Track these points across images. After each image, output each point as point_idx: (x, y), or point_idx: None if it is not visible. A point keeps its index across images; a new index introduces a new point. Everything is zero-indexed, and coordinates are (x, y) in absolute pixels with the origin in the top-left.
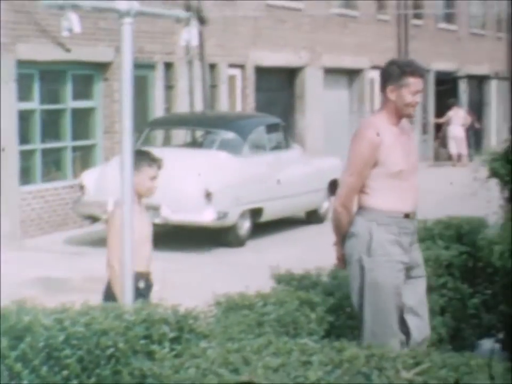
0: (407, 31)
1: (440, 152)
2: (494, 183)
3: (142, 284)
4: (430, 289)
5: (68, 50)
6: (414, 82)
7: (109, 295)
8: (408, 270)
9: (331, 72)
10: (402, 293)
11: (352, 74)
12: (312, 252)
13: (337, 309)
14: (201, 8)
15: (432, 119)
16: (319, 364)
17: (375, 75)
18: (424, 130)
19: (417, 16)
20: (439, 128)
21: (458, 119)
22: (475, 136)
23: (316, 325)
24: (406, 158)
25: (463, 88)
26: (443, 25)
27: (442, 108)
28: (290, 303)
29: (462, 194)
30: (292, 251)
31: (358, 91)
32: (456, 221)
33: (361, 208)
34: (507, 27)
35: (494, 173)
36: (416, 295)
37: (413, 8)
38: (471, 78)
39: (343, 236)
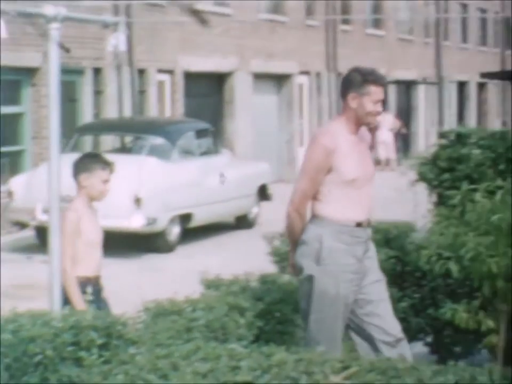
0: (336, 36)
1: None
2: (422, 187)
3: (89, 289)
4: None
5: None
6: (375, 91)
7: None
8: (362, 278)
9: (260, 77)
10: (358, 301)
11: (280, 80)
12: (241, 257)
13: (266, 314)
14: (129, 13)
15: None
16: (248, 368)
17: (304, 80)
18: None
19: (346, 21)
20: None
21: (387, 124)
22: (403, 141)
23: (245, 330)
24: (361, 167)
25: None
26: (371, 30)
27: None
28: (219, 308)
29: (390, 199)
30: (221, 256)
31: (287, 96)
32: (384, 225)
33: (313, 216)
34: (434, 32)
35: (422, 177)
36: (373, 299)
37: (341, 14)
38: (399, 83)
39: (296, 242)
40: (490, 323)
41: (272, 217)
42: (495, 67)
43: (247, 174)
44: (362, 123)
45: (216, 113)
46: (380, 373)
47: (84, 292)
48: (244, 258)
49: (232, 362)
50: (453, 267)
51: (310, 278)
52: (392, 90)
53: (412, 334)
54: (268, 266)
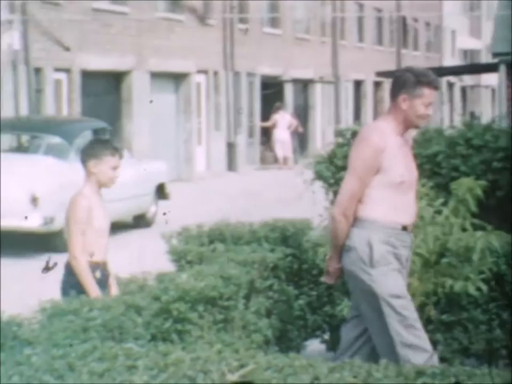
0: (233, 35)
1: (267, 155)
2: (319, 186)
3: (98, 274)
4: (256, 292)
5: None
6: (428, 94)
7: (67, 286)
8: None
9: (158, 76)
10: None
11: (178, 78)
12: (139, 256)
13: (164, 313)
14: (25, 11)
15: (258, 123)
16: (145, 368)
17: (202, 79)
18: (251, 134)
19: (243, 20)
20: (265, 131)
21: (284, 123)
22: (300, 139)
23: (142, 329)
24: (407, 170)
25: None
26: (268, 29)
27: (268, 111)
28: (116, 307)
29: (288, 197)
30: (119, 255)
31: (185, 95)
32: (281, 223)
33: (357, 219)
34: (331, 31)
35: (318, 176)
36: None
37: (238, 13)
38: (296, 81)
39: (339, 247)
40: None
41: (170, 216)
42: (391, 66)
43: (144, 173)
44: (411, 125)
45: (113, 112)
46: (276, 371)
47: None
48: (142, 257)
49: (128, 362)
50: None
51: (372, 284)
52: (289, 89)
53: (308, 332)
54: (166, 265)
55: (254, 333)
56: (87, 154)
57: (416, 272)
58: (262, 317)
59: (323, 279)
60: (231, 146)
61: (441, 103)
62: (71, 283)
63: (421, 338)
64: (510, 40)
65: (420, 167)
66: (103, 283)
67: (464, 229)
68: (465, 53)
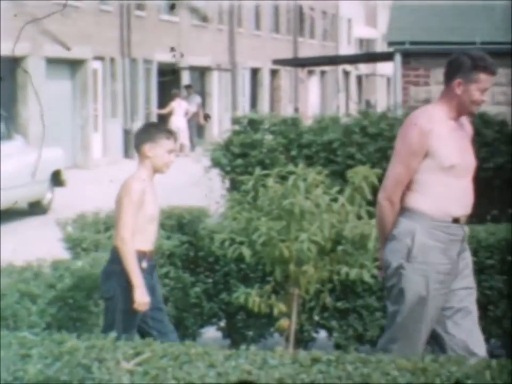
0: (130, 22)
1: None
2: (216, 173)
3: (144, 264)
4: None
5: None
6: (485, 79)
7: (108, 274)
8: (453, 281)
9: (53, 62)
10: (445, 308)
11: (75, 65)
12: (34, 243)
13: (59, 301)
14: None
15: (155, 110)
16: (39, 356)
17: (98, 65)
18: (148, 121)
19: (140, 7)
20: (162, 118)
21: (180, 110)
22: (197, 127)
23: (36, 317)
24: (460, 154)
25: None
26: (165, 16)
27: (165, 98)
28: (10, 295)
29: (184, 185)
30: (13, 243)
31: (81, 82)
32: (177, 210)
33: (405, 208)
34: (228, 19)
35: (215, 163)
36: (461, 308)
37: None
38: (193, 69)
39: (386, 237)
40: (282, 307)
41: (66, 202)
42: (287, 54)
43: (40, 159)
44: (464, 111)
45: (9, 98)
46: (172, 359)
47: (140, 268)
48: (37, 245)
49: (22, 351)
50: (246, 252)
51: (399, 275)
52: (186, 77)
53: (204, 319)
54: (61, 253)
55: None
56: (142, 137)
57: (311, 260)
58: None
59: (378, 274)
60: (127, 133)
61: (337, 91)
62: (112, 271)
63: (414, 349)
64: (405, 29)
65: (315, 154)
66: (150, 274)
67: (359, 217)
68: (361, 41)
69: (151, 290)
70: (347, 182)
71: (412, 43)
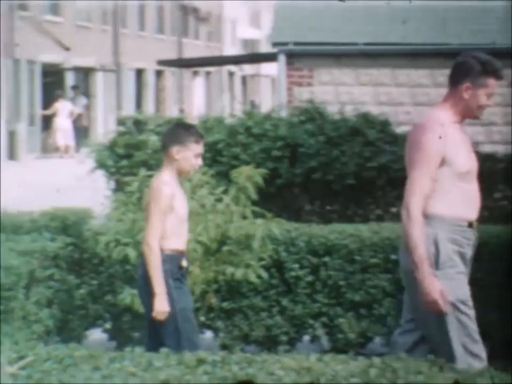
0: (13, 22)
1: (48, 144)
2: (101, 174)
3: (184, 262)
4: (37, 282)
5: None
6: (493, 84)
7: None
8: None
9: None
10: None
11: None
12: None
13: None
14: None
15: (39, 111)
16: None
17: None
18: (32, 122)
19: (23, 7)
20: (46, 119)
21: (64, 111)
22: (83, 128)
23: None
24: (470, 159)
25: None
26: (49, 17)
27: (49, 99)
28: None
29: (69, 186)
30: None
31: None
32: (61, 212)
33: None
34: (112, 19)
35: (100, 164)
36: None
37: None
38: (77, 70)
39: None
40: None
41: None
42: (172, 55)
43: None
44: (470, 115)
45: None
46: (56, 362)
47: (179, 267)
48: None
49: None
50: (131, 253)
51: None
52: (70, 78)
53: (90, 321)
54: None
55: (35, 324)
56: (171, 139)
57: (197, 260)
58: (42, 307)
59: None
60: (11, 135)
61: (221, 92)
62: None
63: (480, 348)
64: (289, 30)
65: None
66: (185, 273)
67: (244, 217)
68: (246, 42)
69: (188, 291)
70: (232, 182)
71: (296, 44)
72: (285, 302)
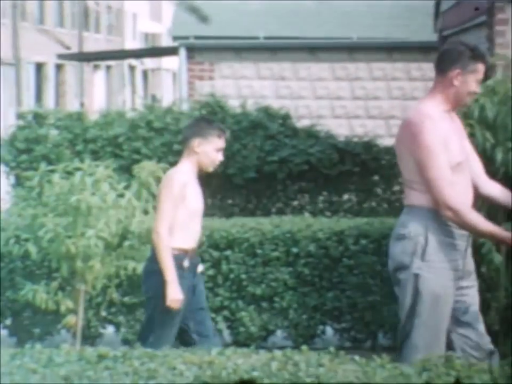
0: None
1: None
2: (0, 170)
3: (186, 263)
4: None
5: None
6: (482, 70)
7: (149, 273)
8: (460, 279)
9: None
10: (455, 307)
11: None
12: None
13: None
14: None
15: None
16: None
17: None
18: None
19: None
20: None
21: None
22: None
23: None
24: (461, 149)
25: None
26: None
27: None
28: None
29: None
30: None
31: None
32: None
33: (412, 206)
34: (11, 13)
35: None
36: (469, 306)
37: None
38: None
39: (494, 231)
40: (69, 303)
41: None
42: (72, 49)
43: None
44: (460, 103)
45: None
46: None
47: (179, 267)
48: None
49: None
50: (32, 248)
51: (416, 277)
52: None
53: None
54: None
55: None
56: (193, 132)
57: (98, 256)
58: None
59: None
60: None
61: (122, 86)
62: (153, 270)
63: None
64: (190, 24)
65: (101, 149)
66: (191, 272)
67: (146, 212)
68: (147, 36)
69: (192, 289)
70: (133, 177)
71: (196, 38)
72: None
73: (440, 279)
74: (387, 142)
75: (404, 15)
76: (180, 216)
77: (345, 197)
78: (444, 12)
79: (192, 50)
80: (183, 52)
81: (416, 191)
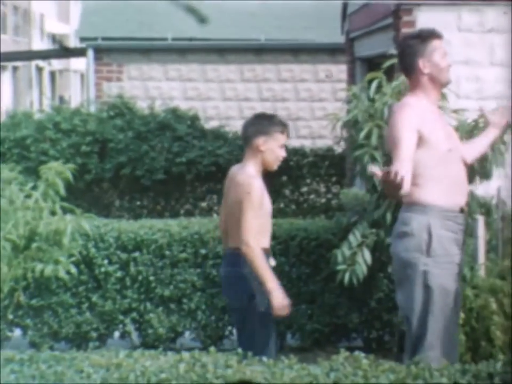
0: None
1: None
2: None
3: (272, 261)
4: None
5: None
6: (439, 44)
7: (233, 279)
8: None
9: None
10: None
11: None
12: None
13: None
14: None
15: None
16: None
17: None
18: None
19: None
20: None
21: None
22: None
23: None
24: (451, 139)
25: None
26: None
27: None
28: None
29: None
30: None
31: None
32: None
33: (413, 203)
34: None
35: None
36: (458, 301)
37: None
38: None
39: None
40: None
41: None
42: None
43: None
44: (441, 83)
45: None
46: None
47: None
48: None
49: None
50: None
51: (424, 274)
52: None
53: None
54: None
55: None
56: (255, 130)
57: (5, 258)
58: None
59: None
60: None
61: (30, 87)
62: (237, 275)
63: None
64: (98, 25)
65: (8, 151)
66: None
67: (54, 213)
68: (54, 37)
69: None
70: (41, 178)
71: (104, 39)
72: (94, 298)
73: (447, 273)
74: (294, 143)
75: (311, 17)
76: (260, 219)
77: None
78: (350, 14)
79: (100, 52)
80: (90, 53)
81: (414, 186)
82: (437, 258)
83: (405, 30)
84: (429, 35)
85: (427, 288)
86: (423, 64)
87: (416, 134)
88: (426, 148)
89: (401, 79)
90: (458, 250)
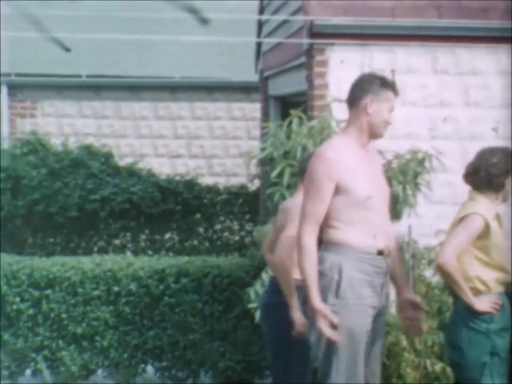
0: None
1: None
2: None
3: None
4: None
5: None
6: (392, 98)
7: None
8: (378, 316)
9: None
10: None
11: None
12: None
13: None
14: None
15: None
16: None
17: None
18: None
19: None
20: None
21: None
22: None
23: None
24: (374, 184)
25: None
26: None
27: None
28: None
29: None
30: None
31: None
32: None
33: (329, 243)
34: None
35: None
36: (375, 338)
37: None
38: None
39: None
40: None
41: None
42: None
43: None
44: (376, 133)
45: None
46: None
47: None
48: None
49: None
50: None
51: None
52: None
53: None
54: None
55: None
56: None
57: None
58: None
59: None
60: None
61: None
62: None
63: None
64: (12, 61)
65: None
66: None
67: None
68: None
69: None
70: None
71: (17, 75)
72: (6, 336)
73: (356, 315)
74: (208, 180)
75: (225, 55)
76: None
77: (167, 235)
78: (264, 53)
79: (13, 88)
80: (4, 89)
81: (331, 228)
82: (346, 300)
83: (318, 70)
84: (389, 85)
85: (333, 328)
86: (370, 103)
87: (333, 185)
88: (342, 194)
89: (319, 119)
90: (373, 293)
